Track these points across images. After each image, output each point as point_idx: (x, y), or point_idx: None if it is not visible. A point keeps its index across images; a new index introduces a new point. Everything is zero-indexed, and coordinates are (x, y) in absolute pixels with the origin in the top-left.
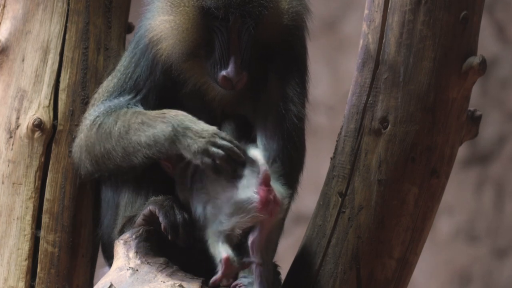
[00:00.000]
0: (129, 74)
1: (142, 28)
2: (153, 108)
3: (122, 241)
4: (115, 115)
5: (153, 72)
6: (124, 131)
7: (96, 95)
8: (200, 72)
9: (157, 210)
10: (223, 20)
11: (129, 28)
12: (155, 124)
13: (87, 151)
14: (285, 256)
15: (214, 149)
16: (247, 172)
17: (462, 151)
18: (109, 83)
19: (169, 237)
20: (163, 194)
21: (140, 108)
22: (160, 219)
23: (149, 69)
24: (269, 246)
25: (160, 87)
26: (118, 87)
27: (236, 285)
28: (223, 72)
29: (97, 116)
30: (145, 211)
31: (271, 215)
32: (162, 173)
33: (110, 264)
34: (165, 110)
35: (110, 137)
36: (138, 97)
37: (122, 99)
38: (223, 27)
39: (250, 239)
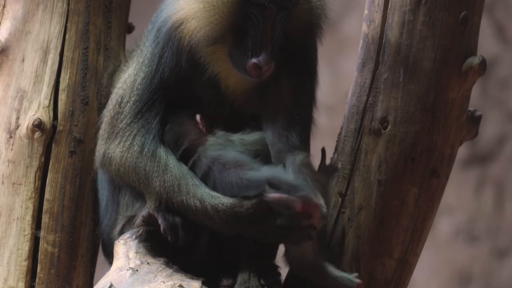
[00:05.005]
0: (154, 67)
1: (164, 14)
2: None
3: (122, 241)
4: (163, 156)
5: (179, 63)
6: (174, 192)
7: (121, 92)
8: (222, 57)
9: (156, 213)
10: (261, 7)
11: (129, 28)
12: (210, 213)
13: (118, 171)
14: None
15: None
16: None
17: (462, 151)
18: (135, 78)
19: (169, 239)
20: None
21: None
22: (159, 221)
23: (175, 59)
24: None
25: (185, 76)
26: (147, 84)
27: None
28: (254, 60)
29: (143, 142)
30: (144, 212)
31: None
32: None
33: (110, 263)
34: (210, 207)
35: (156, 181)
36: (167, 101)
37: (160, 116)
38: (259, 15)
39: None
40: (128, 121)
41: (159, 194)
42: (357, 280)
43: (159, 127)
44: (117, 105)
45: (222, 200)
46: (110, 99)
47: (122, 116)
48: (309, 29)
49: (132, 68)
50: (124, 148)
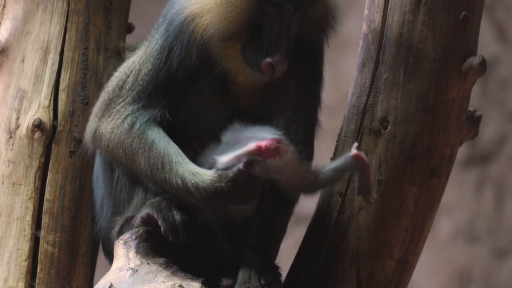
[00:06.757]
0: (163, 60)
1: (176, 7)
2: (183, 95)
3: (122, 242)
4: (151, 135)
5: (188, 56)
6: (157, 170)
7: (123, 77)
8: (234, 54)
9: (155, 214)
10: (278, 7)
11: (129, 28)
12: (191, 191)
13: (107, 147)
14: (285, 257)
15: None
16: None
17: (462, 151)
18: (141, 67)
19: (170, 239)
20: (160, 193)
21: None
22: (159, 222)
23: (184, 52)
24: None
25: (193, 71)
26: (153, 77)
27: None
28: (269, 59)
29: (134, 121)
30: (143, 214)
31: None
32: None
33: (110, 262)
34: (191, 185)
35: (141, 158)
36: (171, 97)
37: (159, 107)
38: (276, 14)
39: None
40: (126, 104)
41: (144, 171)
42: (352, 152)
43: (157, 114)
44: (117, 88)
45: (203, 178)
46: (110, 80)
47: (120, 100)
48: (321, 31)
49: (139, 56)
50: (116, 125)
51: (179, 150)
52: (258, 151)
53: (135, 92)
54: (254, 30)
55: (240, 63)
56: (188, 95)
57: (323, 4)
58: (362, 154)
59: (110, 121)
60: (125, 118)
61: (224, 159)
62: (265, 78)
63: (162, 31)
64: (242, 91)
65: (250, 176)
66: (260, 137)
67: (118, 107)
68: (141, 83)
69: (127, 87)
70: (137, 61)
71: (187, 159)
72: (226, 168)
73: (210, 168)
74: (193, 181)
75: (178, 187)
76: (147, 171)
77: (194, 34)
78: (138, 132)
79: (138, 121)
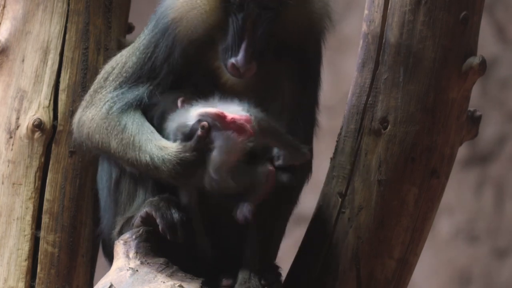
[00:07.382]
0: (148, 55)
1: (163, 7)
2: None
3: (122, 242)
4: (125, 117)
5: (172, 54)
6: (129, 149)
7: (109, 69)
8: (214, 55)
9: (153, 212)
10: (240, 7)
11: (129, 28)
12: (158, 166)
13: (88, 134)
14: (285, 257)
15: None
16: None
17: (462, 151)
18: (127, 60)
19: (168, 237)
20: (160, 192)
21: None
22: (158, 220)
23: (168, 51)
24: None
25: (177, 69)
26: (137, 69)
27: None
28: (232, 60)
29: (112, 106)
30: (142, 212)
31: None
32: None
33: (110, 263)
34: (158, 159)
35: (115, 139)
36: (152, 85)
37: (137, 92)
38: (239, 15)
39: None
40: (107, 93)
41: (117, 152)
42: (271, 166)
43: (135, 99)
44: (102, 80)
45: (169, 151)
46: (99, 73)
47: (103, 90)
48: (309, 32)
49: (127, 50)
50: (95, 112)
51: (152, 129)
52: (222, 118)
53: (117, 82)
54: (224, 31)
55: (219, 63)
56: (179, 92)
57: (306, 5)
58: (273, 173)
59: (92, 110)
60: (104, 104)
61: (191, 113)
62: (241, 78)
63: (151, 27)
64: (232, 90)
65: (210, 142)
66: (232, 110)
67: (100, 95)
68: (124, 74)
69: (111, 78)
70: (125, 54)
71: (158, 136)
72: (190, 131)
73: (177, 131)
74: (159, 155)
75: (147, 164)
76: (120, 151)
77: (177, 37)
78: (114, 115)
79: (115, 105)
